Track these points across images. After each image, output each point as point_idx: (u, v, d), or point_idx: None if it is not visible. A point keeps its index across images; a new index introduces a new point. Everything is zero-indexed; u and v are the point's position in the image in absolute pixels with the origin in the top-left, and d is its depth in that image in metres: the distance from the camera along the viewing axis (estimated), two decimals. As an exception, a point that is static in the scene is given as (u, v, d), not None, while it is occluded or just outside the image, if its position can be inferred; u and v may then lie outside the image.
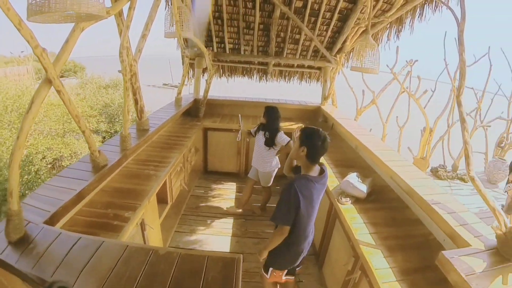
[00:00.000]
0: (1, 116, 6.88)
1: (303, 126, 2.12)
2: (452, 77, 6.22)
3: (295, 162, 2.30)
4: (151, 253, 1.63)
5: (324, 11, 4.39)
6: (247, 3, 4.34)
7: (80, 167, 2.45)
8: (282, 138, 3.42)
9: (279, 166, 3.76)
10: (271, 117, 3.48)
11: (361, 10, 4.21)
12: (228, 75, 5.45)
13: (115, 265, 1.57)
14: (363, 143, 3.42)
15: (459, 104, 2.28)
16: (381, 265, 1.94)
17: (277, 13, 4.39)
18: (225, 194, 4.63)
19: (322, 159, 2.32)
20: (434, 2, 3.61)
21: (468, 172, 2.08)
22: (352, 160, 3.68)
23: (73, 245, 1.68)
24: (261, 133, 3.62)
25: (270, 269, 2.27)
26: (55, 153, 7.01)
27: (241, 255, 1.62)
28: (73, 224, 2.16)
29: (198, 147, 4.87)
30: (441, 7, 3.61)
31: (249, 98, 5.49)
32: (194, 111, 4.97)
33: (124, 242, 1.81)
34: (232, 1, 4.34)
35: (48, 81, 1.73)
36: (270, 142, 3.51)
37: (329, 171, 3.28)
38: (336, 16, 4.43)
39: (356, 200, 2.66)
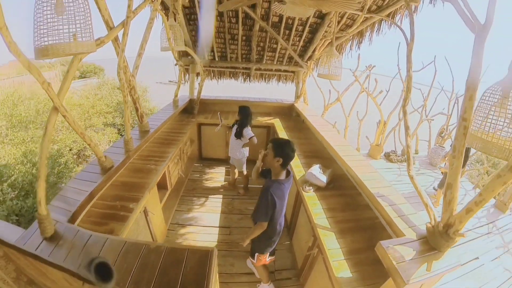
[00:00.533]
0: (35, 118, 6.72)
1: (275, 139, 2.08)
2: (403, 80, 6.20)
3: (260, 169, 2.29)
4: (144, 248, 1.62)
5: (297, 25, 4.22)
6: (231, 18, 4.15)
7: (91, 169, 2.37)
8: (247, 132, 3.45)
9: (247, 155, 3.79)
10: (243, 114, 3.51)
11: (328, 24, 4.06)
12: (218, 77, 5.26)
13: (116, 259, 1.57)
14: (325, 139, 3.39)
15: (405, 113, 2.24)
16: (333, 245, 1.97)
17: (257, 27, 4.21)
18: (216, 177, 4.58)
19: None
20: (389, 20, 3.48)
21: (408, 171, 2.07)
22: (318, 151, 3.64)
23: (87, 241, 1.69)
24: (235, 127, 3.64)
25: (256, 254, 2.35)
26: (80, 145, 6.87)
27: (215, 248, 1.61)
28: (90, 215, 2.13)
29: (194, 139, 4.77)
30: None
31: (235, 97, 5.34)
32: (189, 109, 4.83)
33: (123, 239, 1.77)
34: (218, 17, 4.12)
35: (55, 109, 1.66)
36: (238, 134, 3.55)
37: (298, 161, 3.26)
38: (307, 29, 4.27)
39: (318, 188, 2.65)
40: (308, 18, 4.05)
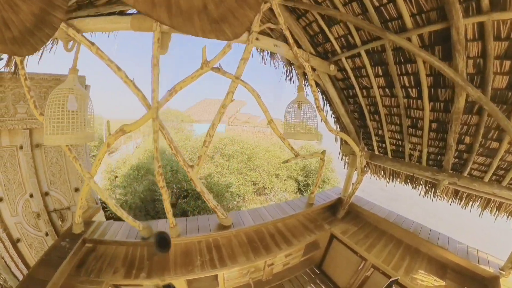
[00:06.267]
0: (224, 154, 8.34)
1: None
2: None
3: None
4: None
5: None
6: (409, 89, 2.08)
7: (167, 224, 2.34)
8: None
9: None
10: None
11: None
12: (390, 178, 2.95)
13: None
14: None
15: None
16: None
17: (461, 103, 1.79)
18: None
19: None
20: None
21: None
22: None
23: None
24: None
25: None
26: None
27: None
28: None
29: (322, 246, 3.04)
30: None
31: (404, 220, 2.69)
32: (334, 209, 3.19)
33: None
34: (387, 90, 2.22)
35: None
36: None
37: None
38: None
39: None
40: None
